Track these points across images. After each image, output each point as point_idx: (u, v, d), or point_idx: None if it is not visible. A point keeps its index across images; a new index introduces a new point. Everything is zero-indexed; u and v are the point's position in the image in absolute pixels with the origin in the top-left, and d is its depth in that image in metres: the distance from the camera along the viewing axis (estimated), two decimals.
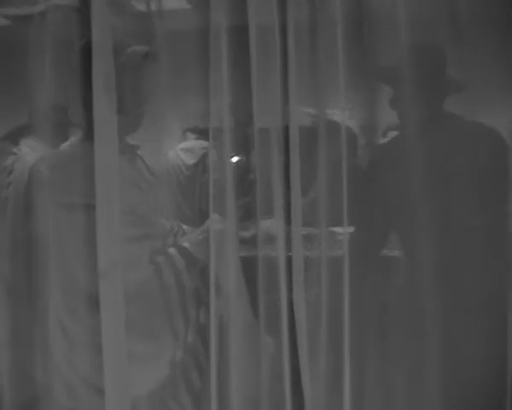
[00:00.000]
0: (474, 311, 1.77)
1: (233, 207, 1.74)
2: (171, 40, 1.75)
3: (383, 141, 1.92)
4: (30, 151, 1.91)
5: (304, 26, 1.71)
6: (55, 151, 1.85)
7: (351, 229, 1.77)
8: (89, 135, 1.74)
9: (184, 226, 1.95)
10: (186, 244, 1.88)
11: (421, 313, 1.75)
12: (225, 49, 1.69)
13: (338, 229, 1.78)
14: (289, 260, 1.74)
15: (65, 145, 1.86)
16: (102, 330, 1.69)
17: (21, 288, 1.86)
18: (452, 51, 1.77)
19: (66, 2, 1.74)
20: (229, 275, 1.73)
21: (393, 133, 1.92)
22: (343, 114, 1.73)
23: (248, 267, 1.76)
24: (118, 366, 1.70)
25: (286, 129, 1.73)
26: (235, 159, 1.85)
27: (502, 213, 1.83)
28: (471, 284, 1.78)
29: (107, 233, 1.68)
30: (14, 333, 1.87)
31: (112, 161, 1.69)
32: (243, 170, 1.90)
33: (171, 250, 1.85)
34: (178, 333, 1.82)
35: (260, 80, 1.71)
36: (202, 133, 2.01)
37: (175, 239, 1.87)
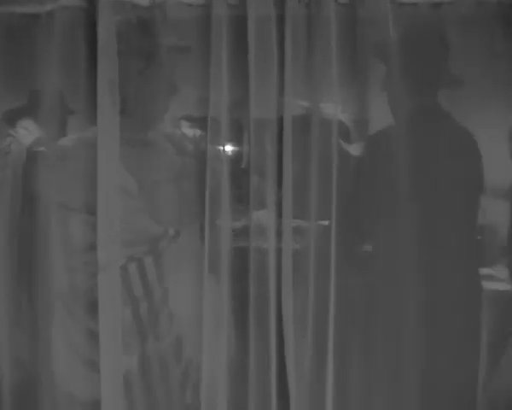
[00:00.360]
0: (448, 310, 1.82)
1: (228, 197, 1.78)
2: (172, 31, 1.79)
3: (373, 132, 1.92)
4: (27, 133, 1.92)
5: (300, 21, 1.75)
6: (54, 146, 1.87)
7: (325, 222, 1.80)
8: (88, 125, 1.79)
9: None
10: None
11: (397, 311, 1.80)
12: (225, 40, 1.74)
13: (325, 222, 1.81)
14: (279, 252, 1.77)
15: (64, 140, 1.89)
16: (100, 323, 1.75)
17: (21, 272, 1.89)
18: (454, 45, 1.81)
19: (73, 4, 1.77)
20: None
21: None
22: (336, 107, 1.77)
23: (239, 258, 1.79)
24: (114, 353, 1.77)
25: (280, 120, 1.76)
26: (229, 149, 1.88)
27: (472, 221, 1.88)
28: (445, 281, 1.82)
29: (107, 230, 1.74)
30: (14, 317, 1.90)
31: (113, 159, 1.75)
32: (236, 160, 1.93)
33: (147, 259, 1.87)
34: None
35: (257, 72, 1.74)
36: (196, 122, 2.03)
37: (168, 244, 1.89)
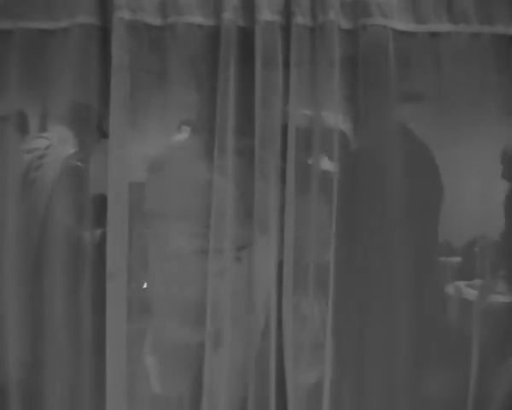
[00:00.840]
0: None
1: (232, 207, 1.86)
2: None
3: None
4: (62, 141, 1.98)
5: (305, 34, 1.84)
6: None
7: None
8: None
9: None
10: None
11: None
12: (234, 49, 1.82)
13: None
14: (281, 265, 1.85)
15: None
16: (107, 329, 1.81)
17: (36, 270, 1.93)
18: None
19: (88, 21, 1.84)
20: None
21: None
22: (337, 117, 1.85)
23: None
24: (119, 356, 1.84)
25: (284, 129, 1.84)
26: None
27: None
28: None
29: (116, 236, 1.81)
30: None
31: (123, 172, 1.83)
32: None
33: None
34: None
35: (263, 81, 1.83)
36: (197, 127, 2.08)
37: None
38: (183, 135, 2.02)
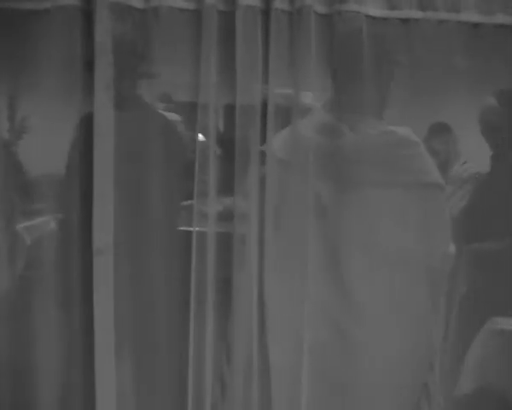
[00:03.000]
0: None
1: (215, 181, 1.92)
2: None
3: None
4: None
5: (284, 18, 1.91)
6: None
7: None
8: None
9: None
10: None
11: None
12: (215, 33, 1.89)
13: None
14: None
15: None
16: (94, 307, 1.85)
17: None
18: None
19: (71, 3, 1.86)
20: None
21: None
22: (314, 96, 1.96)
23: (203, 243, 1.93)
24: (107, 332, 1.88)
25: (263, 107, 1.92)
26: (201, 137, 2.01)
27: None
28: None
29: (102, 213, 1.86)
30: None
31: (109, 151, 1.87)
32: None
33: None
34: None
35: (243, 60, 1.90)
36: (174, 104, 2.13)
37: None
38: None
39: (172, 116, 2.19)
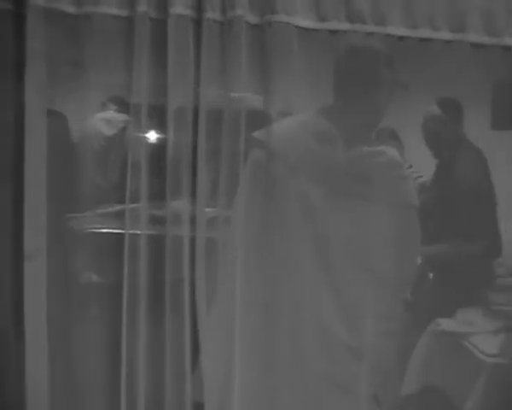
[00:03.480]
0: None
1: (146, 184, 1.93)
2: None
3: None
4: None
5: (215, 28, 1.95)
6: None
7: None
8: None
9: None
10: None
11: None
12: (148, 39, 1.92)
13: None
14: (193, 241, 1.94)
15: None
16: (25, 314, 1.85)
17: None
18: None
19: (2, 6, 1.86)
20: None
21: None
22: (253, 97, 1.98)
23: (157, 246, 1.96)
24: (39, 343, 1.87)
25: (196, 109, 1.94)
26: (153, 136, 2.03)
27: None
28: None
29: (33, 217, 1.85)
30: None
31: (40, 151, 1.87)
32: (159, 149, 2.05)
33: None
34: None
35: (176, 63, 1.92)
36: (124, 105, 2.14)
37: None
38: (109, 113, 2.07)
39: (122, 117, 2.18)
